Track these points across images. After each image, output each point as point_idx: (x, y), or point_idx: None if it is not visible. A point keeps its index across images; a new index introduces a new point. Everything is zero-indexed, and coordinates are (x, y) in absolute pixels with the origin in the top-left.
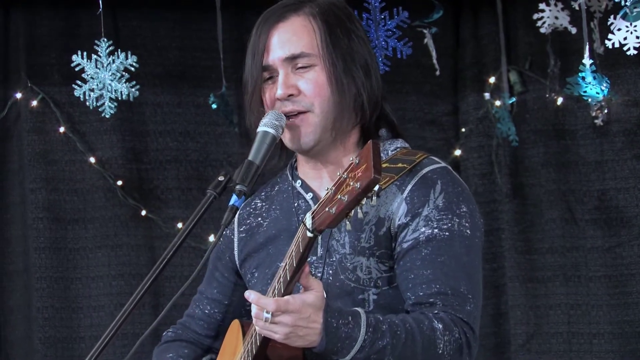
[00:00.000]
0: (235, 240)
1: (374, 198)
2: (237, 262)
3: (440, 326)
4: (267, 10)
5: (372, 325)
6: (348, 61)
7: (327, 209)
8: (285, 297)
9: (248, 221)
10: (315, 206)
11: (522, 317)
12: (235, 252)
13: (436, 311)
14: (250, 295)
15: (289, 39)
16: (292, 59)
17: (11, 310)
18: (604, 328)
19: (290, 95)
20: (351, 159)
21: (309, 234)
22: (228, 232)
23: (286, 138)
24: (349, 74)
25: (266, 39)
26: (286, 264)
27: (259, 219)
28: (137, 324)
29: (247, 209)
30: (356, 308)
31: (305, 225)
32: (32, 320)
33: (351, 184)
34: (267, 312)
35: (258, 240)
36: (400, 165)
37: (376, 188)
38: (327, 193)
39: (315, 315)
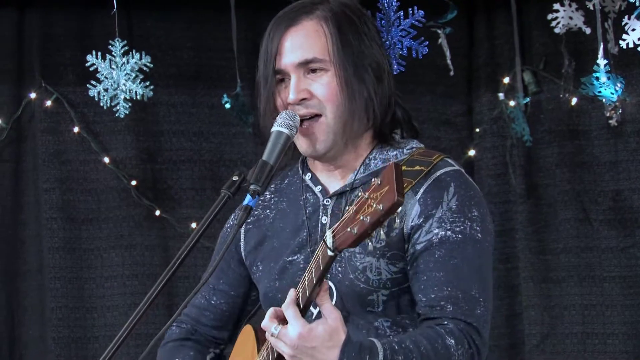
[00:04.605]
0: (242, 231)
1: (397, 220)
2: (242, 253)
3: (453, 342)
4: (279, 13)
5: (389, 359)
6: (359, 65)
7: (348, 229)
8: (293, 323)
9: (256, 212)
10: (336, 225)
11: (537, 318)
12: (242, 243)
13: (446, 322)
14: (269, 311)
15: (301, 44)
16: (304, 64)
17: (25, 310)
18: (619, 328)
19: (303, 99)
20: (373, 179)
21: (330, 253)
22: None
23: (300, 145)
24: (360, 78)
25: (278, 42)
26: (306, 278)
27: (267, 210)
28: (150, 324)
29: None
30: (374, 340)
31: (326, 243)
32: (46, 320)
33: (373, 205)
34: (275, 329)
35: (264, 231)
36: (417, 168)
37: (399, 210)
38: (348, 212)
39: (327, 350)
